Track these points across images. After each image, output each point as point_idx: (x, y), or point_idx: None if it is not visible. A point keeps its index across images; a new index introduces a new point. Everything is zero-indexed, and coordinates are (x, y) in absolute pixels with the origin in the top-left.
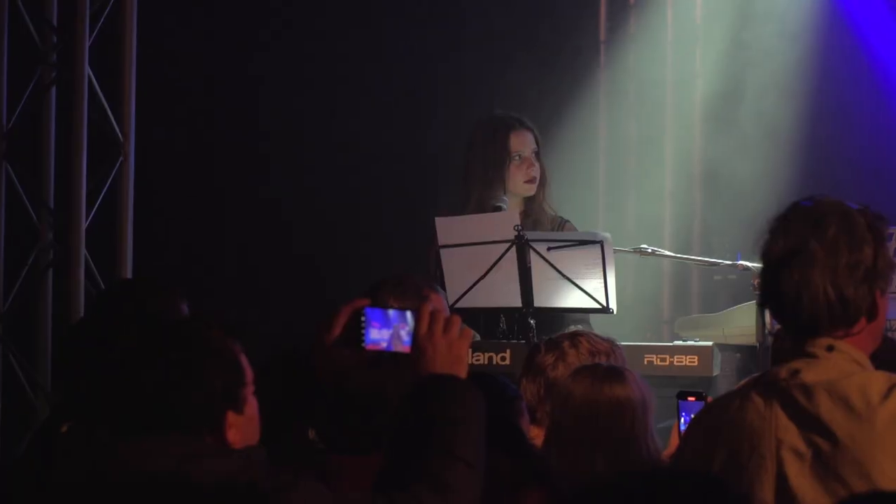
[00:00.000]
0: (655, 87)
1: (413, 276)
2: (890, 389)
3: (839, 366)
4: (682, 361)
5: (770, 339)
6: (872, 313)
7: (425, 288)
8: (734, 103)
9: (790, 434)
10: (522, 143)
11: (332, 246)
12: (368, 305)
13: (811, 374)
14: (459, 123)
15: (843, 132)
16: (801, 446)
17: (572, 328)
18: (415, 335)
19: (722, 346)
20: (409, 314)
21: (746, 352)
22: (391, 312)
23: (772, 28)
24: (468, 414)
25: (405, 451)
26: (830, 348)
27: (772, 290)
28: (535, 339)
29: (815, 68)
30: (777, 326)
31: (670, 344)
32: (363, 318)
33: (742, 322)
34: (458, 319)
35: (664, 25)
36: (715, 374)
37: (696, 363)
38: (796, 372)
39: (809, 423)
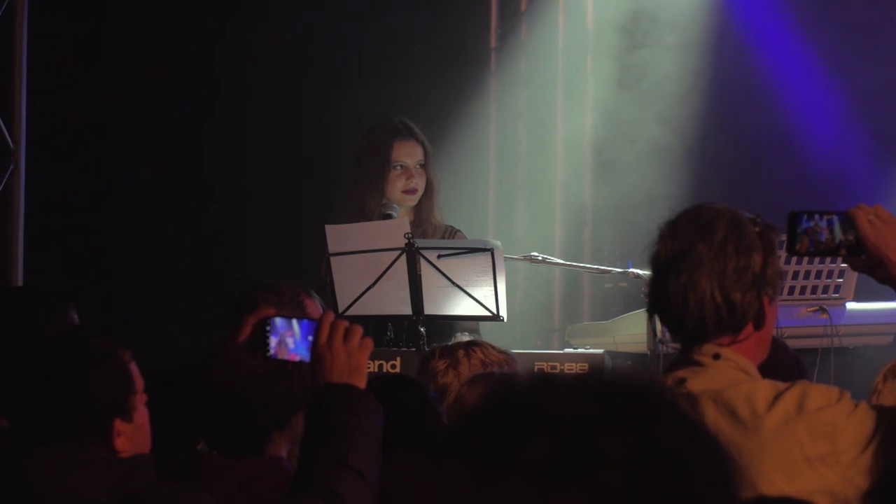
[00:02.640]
0: (546, 94)
1: (288, 283)
2: (775, 399)
3: (725, 374)
4: (572, 369)
5: (661, 347)
6: (760, 321)
7: (301, 294)
8: (626, 110)
9: None
10: (406, 153)
11: (223, 253)
12: (274, 315)
13: (697, 382)
14: (353, 130)
15: (735, 138)
16: None
17: (459, 335)
18: (315, 343)
19: (613, 354)
20: (295, 321)
21: (637, 359)
22: (278, 321)
23: (663, 34)
24: (363, 424)
25: (301, 459)
26: (717, 356)
27: (659, 295)
28: (426, 347)
29: (707, 74)
30: (668, 333)
31: (561, 352)
32: (268, 328)
33: (633, 330)
34: (359, 329)
35: (555, 32)
36: None
37: (586, 371)
38: (682, 381)
39: None
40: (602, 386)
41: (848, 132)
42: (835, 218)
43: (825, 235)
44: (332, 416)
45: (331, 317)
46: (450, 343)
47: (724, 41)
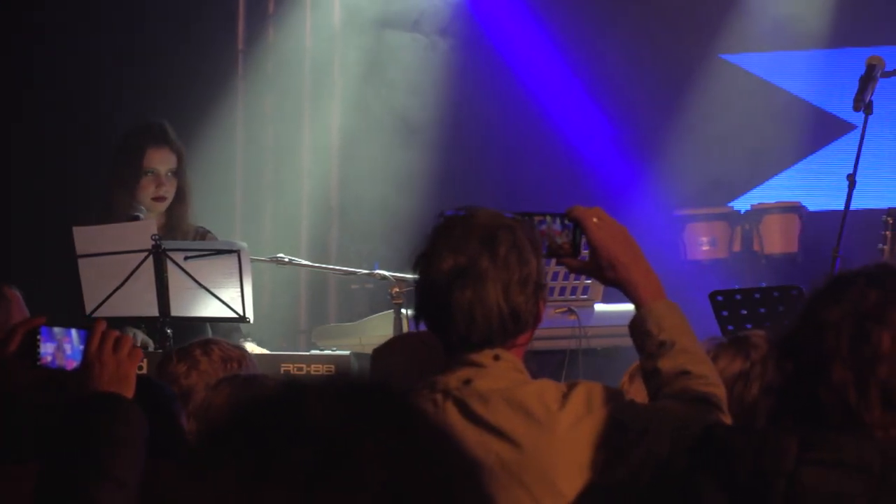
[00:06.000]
0: (294, 96)
1: None
2: (564, 398)
3: (507, 374)
4: (319, 370)
5: None
6: (535, 322)
7: (3, 286)
8: (373, 110)
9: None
10: (158, 160)
11: None
12: (44, 324)
13: (485, 382)
14: (112, 131)
15: (486, 135)
16: (481, 454)
17: (234, 335)
18: (85, 351)
19: (359, 355)
20: (73, 331)
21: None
22: (57, 330)
23: (410, 33)
24: (128, 433)
25: (62, 467)
26: (497, 357)
27: (439, 308)
28: (172, 348)
29: (454, 72)
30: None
31: (307, 353)
32: (38, 336)
33: (380, 331)
34: (129, 339)
35: (303, 34)
36: None
37: (332, 372)
38: (468, 381)
39: (489, 431)
40: (350, 388)
41: (595, 126)
42: (570, 222)
43: (561, 238)
44: (97, 424)
45: (102, 325)
46: (186, 344)
47: (472, 33)
